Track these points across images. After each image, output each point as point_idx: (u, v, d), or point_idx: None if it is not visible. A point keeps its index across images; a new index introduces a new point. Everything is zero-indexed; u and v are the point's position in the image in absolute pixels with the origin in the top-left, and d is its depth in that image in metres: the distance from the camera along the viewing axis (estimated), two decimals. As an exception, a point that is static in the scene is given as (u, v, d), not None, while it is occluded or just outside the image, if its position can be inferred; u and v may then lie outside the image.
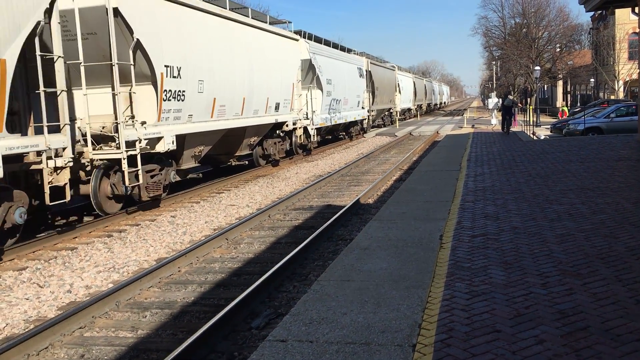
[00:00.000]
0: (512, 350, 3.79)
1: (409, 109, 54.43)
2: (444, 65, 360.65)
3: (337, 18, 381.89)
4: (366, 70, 34.15)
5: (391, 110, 45.94)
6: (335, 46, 28.97)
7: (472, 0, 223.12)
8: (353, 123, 31.89)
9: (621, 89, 50.46)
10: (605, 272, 5.23)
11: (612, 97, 47.86)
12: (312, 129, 23.24)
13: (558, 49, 61.10)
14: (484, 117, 55.61)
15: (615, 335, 3.92)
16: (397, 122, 46.08)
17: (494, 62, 78.91)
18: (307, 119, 22.86)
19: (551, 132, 30.23)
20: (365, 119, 34.73)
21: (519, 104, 51.72)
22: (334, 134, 30.72)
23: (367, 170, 19.39)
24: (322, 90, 24.37)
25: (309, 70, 23.41)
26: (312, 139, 23.55)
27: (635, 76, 41.87)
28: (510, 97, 28.12)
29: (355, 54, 34.82)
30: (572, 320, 4.22)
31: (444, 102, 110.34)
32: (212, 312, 6.62)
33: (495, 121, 40.41)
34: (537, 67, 46.32)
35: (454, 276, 5.36)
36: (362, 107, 33.10)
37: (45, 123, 9.36)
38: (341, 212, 11.20)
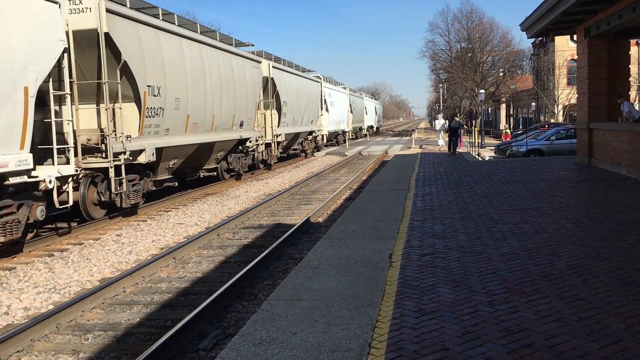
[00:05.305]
0: (460, 368, 3.83)
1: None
2: (392, 86, 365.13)
3: (290, 38, 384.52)
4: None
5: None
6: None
7: (419, 24, 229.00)
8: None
9: (560, 113, 52.57)
10: (548, 290, 5.38)
11: (552, 121, 49.83)
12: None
13: (501, 74, 63.28)
14: (431, 138, 56.80)
15: (558, 352, 4.02)
16: (347, 141, 46.45)
17: (440, 85, 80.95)
18: None
19: (495, 153, 31.10)
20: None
21: (465, 126, 53.12)
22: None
23: (317, 189, 19.44)
24: None
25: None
26: None
27: (573, 101, 43.70)
28: (457, 119, 28.81)
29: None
30: (518, 337, 4.31)
31: (370, 127, 68.72)
32: (159, 334, 6.45)
33: (442, 142, 41.34)
34: (482, 91, 47.89)
35: (403, 295, 5.40)
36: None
37: None
38: (291, 230, 11.17)
